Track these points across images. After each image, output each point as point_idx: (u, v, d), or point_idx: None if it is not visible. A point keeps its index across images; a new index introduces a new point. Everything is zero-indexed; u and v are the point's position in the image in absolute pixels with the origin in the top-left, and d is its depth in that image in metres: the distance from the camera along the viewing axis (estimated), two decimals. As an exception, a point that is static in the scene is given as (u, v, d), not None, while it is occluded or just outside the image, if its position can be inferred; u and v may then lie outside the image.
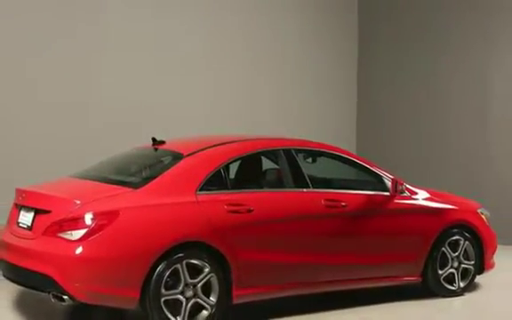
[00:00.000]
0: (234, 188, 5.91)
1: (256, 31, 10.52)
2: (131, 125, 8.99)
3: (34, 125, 8.39)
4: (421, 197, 6.77)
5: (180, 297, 5.33)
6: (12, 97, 8.28)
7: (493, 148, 10.16)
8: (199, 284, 5.39)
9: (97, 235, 5.08)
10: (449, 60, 10.65)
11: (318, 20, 11.31)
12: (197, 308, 5.41)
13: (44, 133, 8.45)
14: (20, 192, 5.83)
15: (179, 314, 5.31)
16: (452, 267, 6.82)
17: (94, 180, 5.85)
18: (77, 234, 5.09)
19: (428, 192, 6.89)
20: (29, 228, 5.47)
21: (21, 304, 6.22)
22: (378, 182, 6.59)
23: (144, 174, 5.90)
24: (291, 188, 6.10)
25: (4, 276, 5.71)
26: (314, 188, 6.16)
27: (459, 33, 10.52)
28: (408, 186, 6.69)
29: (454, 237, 6.82)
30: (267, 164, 6.49)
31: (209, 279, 5.42)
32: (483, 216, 7.11)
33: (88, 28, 8.84)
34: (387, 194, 6.53)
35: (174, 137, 6.68)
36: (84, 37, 8.80)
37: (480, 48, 10.28)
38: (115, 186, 5.56)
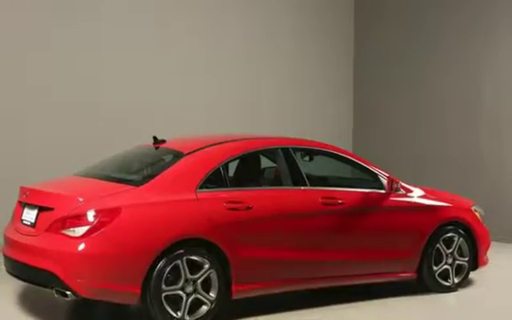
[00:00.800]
0: (233, 185, 5.98)
1: (254, 31, 10.59)
2: (132, 125, 9.06)
3: (36, 125, 8.47)
4: (416, 195, 6.83)
5: (181, 292, 5.39)
6: (14, 97, 8.35)
7: (486, 146, 10.22)
8: (199, 280, 5.45)
9: (99, 231, 5.14)
10: (444, 60, 10.71)
11: (315, 20, 11.38)
12: (197, 304, 5.47)
13: (46, 133, 8.53)
14: (23, 190, 5.90)
15: (179, 309, 5.37)
16: (446, 263, 6.89)
17: (96, 178, 5.92)
18: (80, 230, 5.15)
19: (422, 190, 6.96)
20: (33, 226, 5.53)
21: (25, 300, 6.27)
22: (374, 180, 6.66)
23: (145, 172, 5.97)
24: (289, 186, 6.17)
25: (8, 272, 5.77)
26: (311, 186, 6.23)
27: (453, 33, 10.58)
28: (403, 184, 6.76)
29: (449, 234, 6.89)
30: (265, 162, 6.58)
31: (209, 275, 5.49)
32: (476, 213, 7.18)
33: (88, 29, 8.91)
34: (382, 192, 6.60)
35: (175, 136, 6.76)
36: (84, 38, 8.86)
37: (474, 48, 10.34)
38: (116, 184, 5.63)
